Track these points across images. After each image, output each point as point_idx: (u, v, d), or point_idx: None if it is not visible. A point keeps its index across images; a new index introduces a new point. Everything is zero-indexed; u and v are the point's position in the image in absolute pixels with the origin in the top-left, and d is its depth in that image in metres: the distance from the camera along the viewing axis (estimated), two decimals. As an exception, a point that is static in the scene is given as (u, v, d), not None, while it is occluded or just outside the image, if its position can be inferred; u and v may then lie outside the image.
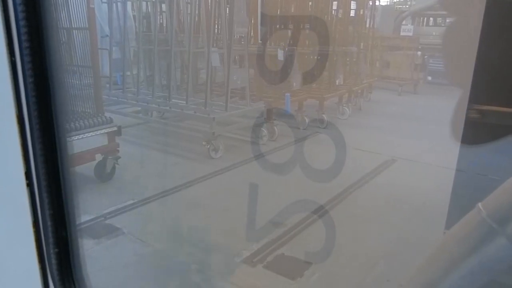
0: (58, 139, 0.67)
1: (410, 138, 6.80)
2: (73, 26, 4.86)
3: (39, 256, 0.71)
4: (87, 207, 4.21)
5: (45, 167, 0.67)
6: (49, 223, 0.69)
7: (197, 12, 7.85)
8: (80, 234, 0.79)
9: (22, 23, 0.58)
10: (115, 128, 5.05)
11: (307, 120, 7.52)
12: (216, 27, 8.13)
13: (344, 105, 8.36)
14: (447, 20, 13.25)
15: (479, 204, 0.88)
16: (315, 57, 8.39)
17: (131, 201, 4.45)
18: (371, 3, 10.13)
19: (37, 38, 0.62)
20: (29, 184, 0.68)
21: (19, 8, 0.58)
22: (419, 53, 11.86)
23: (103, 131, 4.93)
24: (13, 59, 0.61)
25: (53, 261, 0.70)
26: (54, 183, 0.69)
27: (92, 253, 3.48)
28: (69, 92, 4.57)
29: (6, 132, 0.65)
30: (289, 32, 8.13)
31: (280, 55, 7.34)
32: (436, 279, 0.94)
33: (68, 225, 0.71)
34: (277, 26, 8.08)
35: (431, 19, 14.65)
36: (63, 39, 4.88)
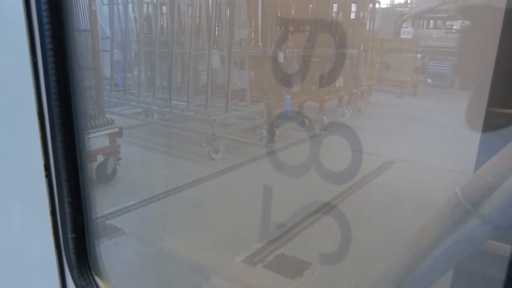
0: (76, 133, 0.72)
1: (409, 140, 6.84)
2: (75, 28, 4.90)
3: (55, 242, 0.76)
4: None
5: (64, 159, 0.72)
6: (67, 210, 0.74)
7: (198, 14, 7.90)
8: (96, 222, 0.83)
9: (46, 27, 0.63)
10: (116, 130, 5.09)
11: (307, 122, 7.56)
12: (216, 29, 8.18)
13: (344, 107, 8.40)
14: (448, 23, 13.30)
15: (457, 188, 0.94)
16: (316, 59, 8.43)
17: (132, 202, 4.49)
18: (371, 6, 10.19)
19: (58, 40, 0.67)
20: (48, 175, 0.73)
21: (44, 14, 0.63)
22: (419, 55, 11.87)
23: (104, 132, 4.97)
24: (35, 59, 0.66)
25: (70, 245, 0.75)
26: (72, 174, 0.74)
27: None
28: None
29: (27, 127, 0.70)
30: (289, 35, 8.17)
31: (281, 57, 7.39)
32: (418, 258, 1.00)
33: (85, 213, 0.76)
34: (277, 29, 8.12)
35: (431, 21, 14.68)
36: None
